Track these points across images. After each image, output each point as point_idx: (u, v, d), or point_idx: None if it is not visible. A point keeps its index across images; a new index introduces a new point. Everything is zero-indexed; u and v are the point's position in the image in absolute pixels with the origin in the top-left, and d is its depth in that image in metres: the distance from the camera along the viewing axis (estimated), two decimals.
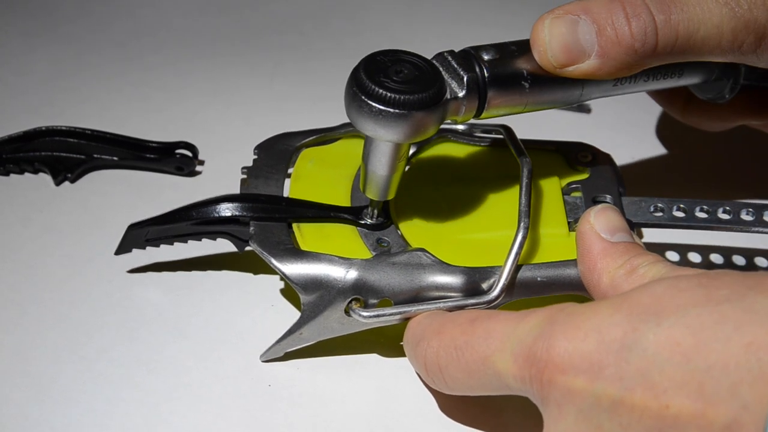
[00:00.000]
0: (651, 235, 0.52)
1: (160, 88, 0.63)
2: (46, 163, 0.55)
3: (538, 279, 0.44)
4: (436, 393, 0.45)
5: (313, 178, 0.49)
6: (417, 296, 0.44)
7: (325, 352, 0.46)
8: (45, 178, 0.55)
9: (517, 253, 0.44)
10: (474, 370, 0.39)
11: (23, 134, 0.55)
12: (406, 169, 0.47)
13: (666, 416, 0.33)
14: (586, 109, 0.63)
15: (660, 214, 0.49)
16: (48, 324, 0.47)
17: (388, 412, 0.44)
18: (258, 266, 0.49)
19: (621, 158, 0.54)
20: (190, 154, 0.56)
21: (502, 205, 0.48)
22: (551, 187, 0.49)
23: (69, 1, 0.70)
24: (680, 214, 0.49)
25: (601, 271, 0.41)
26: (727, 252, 0.53)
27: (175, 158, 0.56)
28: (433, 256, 0.44)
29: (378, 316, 0.44)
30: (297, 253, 0.44)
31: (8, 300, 0.48)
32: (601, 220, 0.42)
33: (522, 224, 0.45)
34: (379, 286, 0.44)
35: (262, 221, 0.46)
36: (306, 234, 0.46)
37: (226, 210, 0.46)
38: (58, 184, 0.55)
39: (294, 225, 0.46)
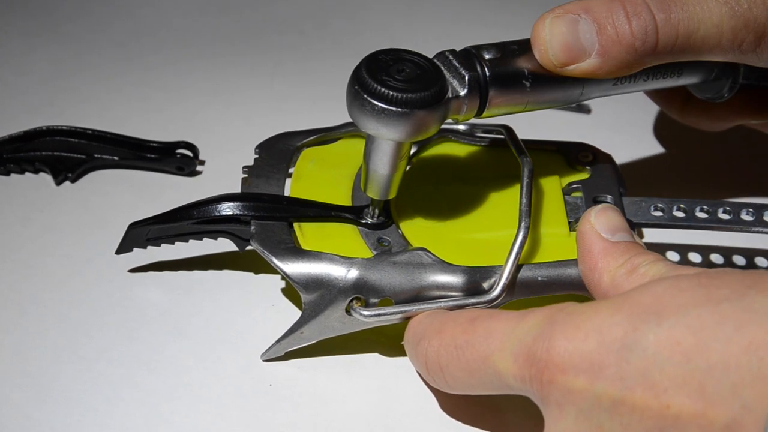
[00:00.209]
0: (651, 235, 0.52)
1: (160, 88, 0.63)
2: (47, 163, 0.55)
3: (539, 279, 0.44)
4: (437, 392, 0.45)
5: (314, 178, 0.49)
6: (418, 295, 0.44)
7: (326, 352, 0.46)
8: (46, 178, 0.55)
9: (518, 253, 0.44)
10: (474, 369, 0.39)
11: (24, 134, 0.55)
12: (407, 168, 0.47)
13: (666, 416, 0.33)
14: (586, 110, 0.63)
15: (660, 214, 0.49)
16: (48, 324, 0.47)
17: (389, 411, 0.44)
18: (259, 265, 0.49)
19: (621, 158, 0.54)
20: (190, 153, 0.56)
21: (503, 205, 0.48)
22: (552, 187, 0.49)
23: (69, 1, 0.70)
24: (680, 214, 0.49)
25: (602, 270, 0.41)
26: (727, 252, 0.53)
27: (175, 158, 0.56)
28: (434, 255, 0.44)
29: (379, 315, 0.44)
30: (298, 253, 0.45)
31: (8, 300, 0.48)
32: (602, 219, 0.42)
33: (523, 224, 0.45)
34: (380, 285, 0.44)
35: (263, 220, 0.46)
36: (307, 233, 0.46)
37: (227, 209, 0.46)
38: (58, 183, 0.55)
39: (295, 224, 0.46)
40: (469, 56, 0.44)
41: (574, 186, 0.50)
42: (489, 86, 0.44)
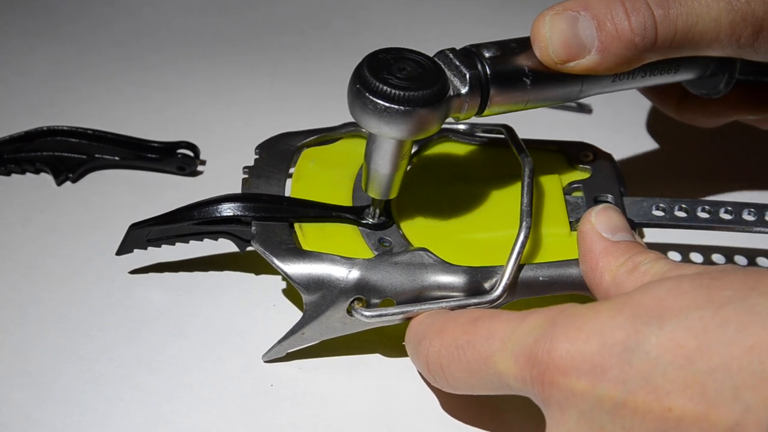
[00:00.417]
0: (653, 235, 0.52)
1: (160, 88, 0.63)
2: (48, 163, 0.55)
3: (540, 279, 0.44)
4: (438, 393, 0.45)
5: (315, 178, 0.49)
6: (419, 296, 0.44)
7: (327, 352, 0.46)
8: (46, 178, 0.55)
9: (519, 253, 0.44)
10: (475, 369, 0.39)
11: (24, 134, 0.55)
12: (408, 168, 0.47)
13: (669, 419, 0.33)
14: (587, 109, 0.63)
15: (662, 214, 0.49)
16: (48, 324, 0.47)
17: (390, 411, 0.44)
18: (260, 266, 0.49)
19: (621, 158, 0.54)
20: (191, 153, 0.56)
21: (504, 205, 0.48)
22: (553, 187, 0.49)
23: (69, 1, 0.70)
24: (682, 214, 0.49)
25: (603, 269, 0.41)
26: (728, 252, 0.53)
27: (176, 158, 0.56)
28: (435, 255, 0.44)
29: (380, 315, 0.44)
30: (299, 253, 0.44)
31: (8, 300, 0.48)
32: (602, 219, 0.42)
33: (524, 224, 0.45)
34: (381, 285, 0.44)
35: (263, 221, 0.46)
36: (308, 234, 0.46)
37: (228, 210, 0.46)
38: (59, 184, 0.55)
39: (296, 225, 0.46)
40: (469, 55, 0.45)
41: (575, 185, 0.50)
42: (490, 84, 0.44)
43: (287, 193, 0.49)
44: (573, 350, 0.35)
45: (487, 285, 0.44)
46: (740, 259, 0.53)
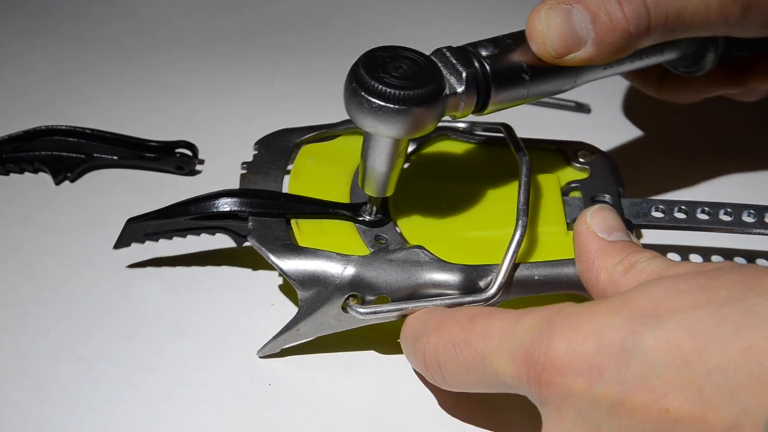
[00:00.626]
0: (652, 236, 0.52)
1: (160, 88, 0.63)
2: (46, 163, 0.55)
3: (536, 277, 0.44)
4: (436, 391, 0.45)
5: (313, 175, 0.49)
6: (414, 293, 0.44)
7: (325, 351, 0.46)
8: (45, 178, 0.55)
9: (515, 251, 0.44)
10: (472, 367, 0.39)
11: (23, 134, 0.55)
12: (406, 166, 0.47)
13: (665, 420, 0.33)
14: (586, 109, 0.63)
15: (661, 215, 0.49)
16: (48, 324, 0.47)
17: (389, 410, 0.44)
18: (257, 263, 0.49)
19: (620, 158, 0.54)
20: (190, 153, 0.56)
21: (501, 204, 0.48)
22: (550, 186, 0.49)
23: (69, 1, 0.70)
24: (681, 216, 0.49)
25: (599, 268, 0.41)
26: (728, 254, 0.53)
27: (175, 157, 0.56)
28: (431, 253, 0.44)
29: (375, 312, 0.44)
30: (295, 249, 0.44)
31: (8, 300, 0.48)
32: (598, 219, 0.42)
33: (520, 222, 0.45)
34: (376, 282, 0.44)
35: (260, 217, 0.46)
36: (304, 230, 0.46)
37: (225, 205, 0.46)
38: (58, 183, 0.55)
39: (292, 221, 0.46)
40: (466, 53, 0.45)
41: (573, 185, 0.50)
42: (491, 84, 0.44)
43: (285, 189, 0.49)
44: (570, 351, 0.35)
45: (482, 283, 0.44)
46: (740, 261, 0.53)
